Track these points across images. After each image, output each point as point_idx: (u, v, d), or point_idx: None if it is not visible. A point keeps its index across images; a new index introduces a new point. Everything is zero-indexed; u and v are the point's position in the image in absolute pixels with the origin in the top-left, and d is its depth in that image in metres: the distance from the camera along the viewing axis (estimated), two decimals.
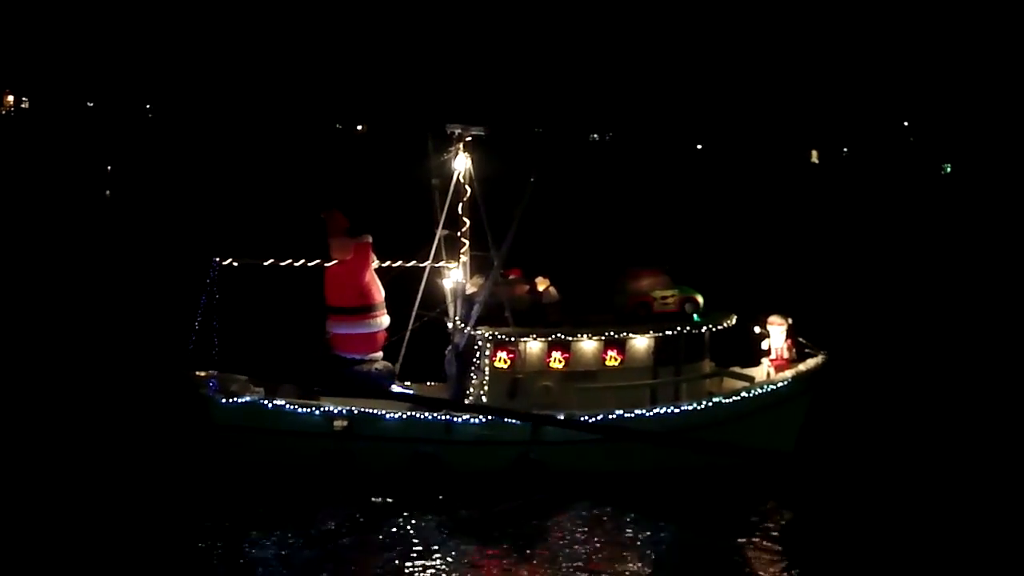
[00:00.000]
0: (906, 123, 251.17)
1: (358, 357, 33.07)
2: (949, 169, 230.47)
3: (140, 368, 39.66)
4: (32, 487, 30.44)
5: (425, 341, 34.71)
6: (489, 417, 31.93)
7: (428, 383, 34.44)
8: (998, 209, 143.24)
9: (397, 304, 33.81)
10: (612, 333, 32.70)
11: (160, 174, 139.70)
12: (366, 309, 32.94)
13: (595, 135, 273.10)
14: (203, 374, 32.06)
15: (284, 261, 32.38)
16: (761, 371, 34.22)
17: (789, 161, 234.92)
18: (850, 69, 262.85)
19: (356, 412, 31.49)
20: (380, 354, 33.44)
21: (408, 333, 34.28)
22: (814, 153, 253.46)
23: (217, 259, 31.39)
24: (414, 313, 34.20)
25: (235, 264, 31.52)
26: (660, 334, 32.83)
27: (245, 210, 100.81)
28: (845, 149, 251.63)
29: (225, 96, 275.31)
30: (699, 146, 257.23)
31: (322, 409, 31.41)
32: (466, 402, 32.61)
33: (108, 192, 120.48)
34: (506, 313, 32.62)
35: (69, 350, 45.59)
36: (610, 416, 31.87)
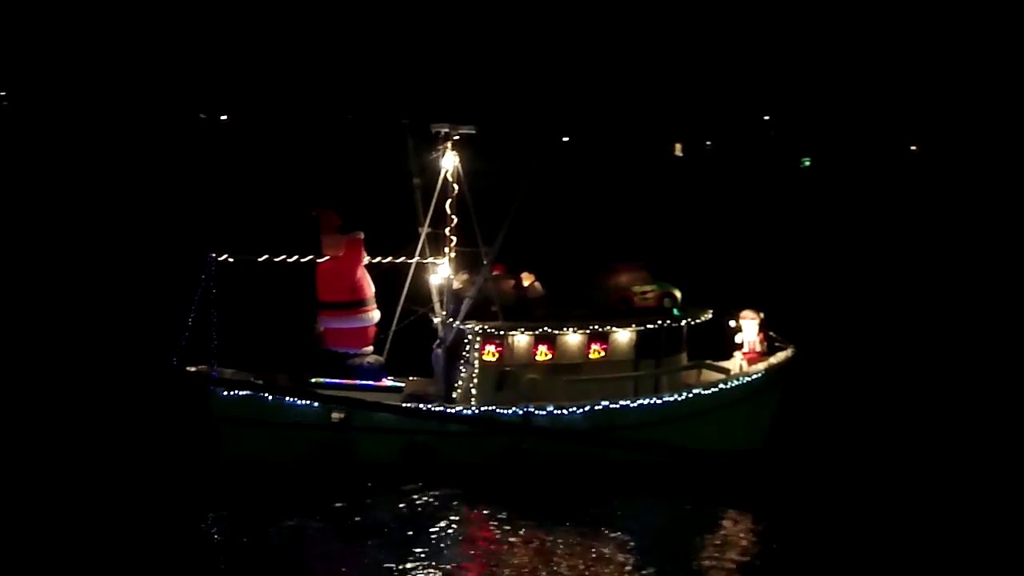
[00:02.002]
0: (767, 117, 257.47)
1: (350, 351, 33.64)
2: (808, 163, 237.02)
3: (136, 363, 39.43)
4: (29, 482, 30.46)
5: (410, 336, 35.30)
6: (483, 408, 32.66)
7: (411, 377, 35.03)
8: (855, 201, 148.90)
9: (381, 300, 34.41)
10: (596, 327, 33.83)
11: (155, 172, 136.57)
12: (357, 304, 33.65)
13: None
14: (194, 369, 32.34)
15: (278, 257, 32.76)
16: (734, 364, 35.71)
17: (653, 154, 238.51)
18: (713, 64, 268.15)
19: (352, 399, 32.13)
20: (371, 348, 34.13)
21: (393, 328, 34.93)
22: (678, 146, 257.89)
23: (213, 255, 31.68)
24: (399, 309, 34.86)
25: (231, 260, 31.82)
26: (642, 328, 34.06)
27: (237, 207, 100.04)
28: (708, 142, 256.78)
29: (217, 93, 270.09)
30: (565, 139, 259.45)
31: (318, 394, 32.00)
32: (454, 396, 33.33)
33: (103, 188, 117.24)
34: (494, 308, 33.47)
35: (65, 347, 45.31)
36: (596, 407, 32.92)
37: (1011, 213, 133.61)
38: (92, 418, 35.66)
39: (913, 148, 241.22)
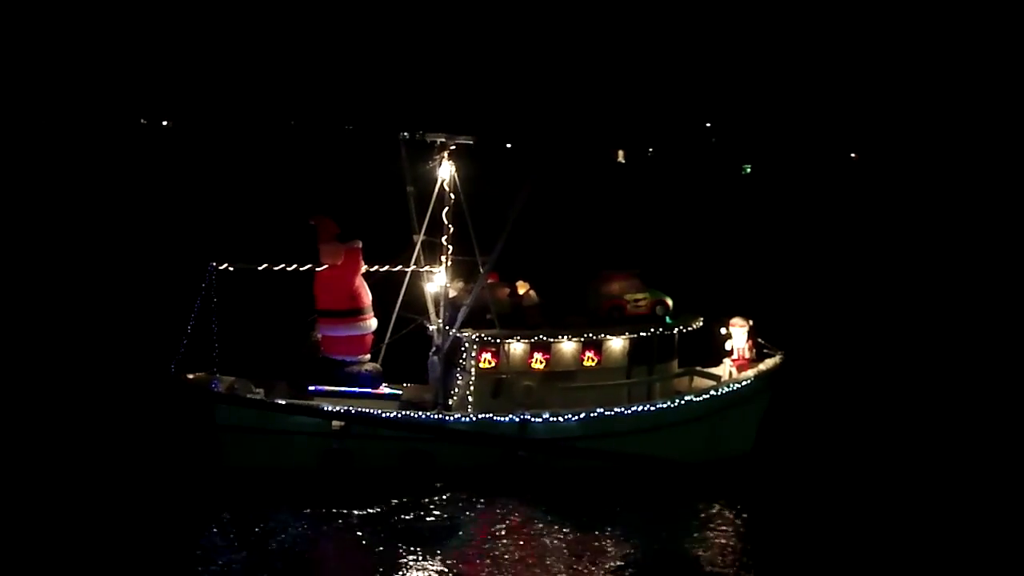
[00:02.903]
0: (708, 124, 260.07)
1: (348, 359, 33.88)
2: (749, 169, 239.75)
3: (136, 372, 39.33)
4: (31, 491, 30.39)
5: (404, 343, 35.60)
6: (480, 415, 33.03)
7: (405, 384, 35.32)
8: (794, 208, 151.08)
9: (376, 308, 34.69)
10: (590, 335, 34.32)
11: (151, 180, 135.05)
12: (356, 312, 33.89)
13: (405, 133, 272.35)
14: (192, 377, 32.46)
15: (277, 266, 32.93)
16: (724, 370, 36.37)
17: (595, 160, 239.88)
18: (654, 71, 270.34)
19: (353, 412, 32.32)
20: (368, 355, 34.36)
21: (388, 337, 35.21)
22: (620, 153, 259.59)
23: (213, 264, 31.81)
24: (394, 316, 35.14)
25: (230, 269, 31.96)
26: (635, 335, 34.61)
27: (235, 215, 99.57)
28: (650, 149, 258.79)
29: (218, 102, 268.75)
30: (508, 145, 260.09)
31: (321, 409, 32.16)
32: (450, 403, 33.67)
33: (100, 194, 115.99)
34: (489, 316, 33.87)
35: (66, 355, 45.09)
36: (591, 414, 33.41)
37: (955, 218, 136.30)
38: (92, 426, 35.57)
39: (853, 155, 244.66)
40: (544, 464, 33.11)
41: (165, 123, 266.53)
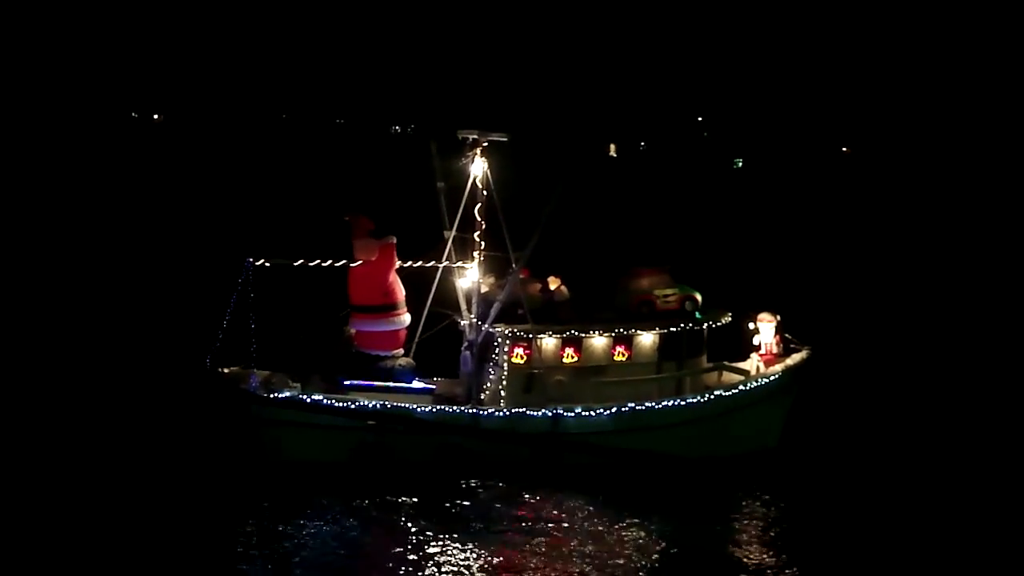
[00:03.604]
0: (700, 118, 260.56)
1: (382, 354, 34.19)
2: (741, 164, 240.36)
3: (173, 366, 39.59)
4: (65, 484, 30.66)
5: (433, 339, 35.90)
6: (512, 410, 33.35)
7: (435, 378, 35.63)
8: (787, 202, 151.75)
9: (407, 303, 34.99)
10: (621, 330, 34.66)
11: (183, 179, 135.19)
12: (390, 308, 34.22)
13: (396, 127, 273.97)
14: (227, 371, 32.79)
15: (313, 262, 33.23)
16: (751, 365, 36.74)
17: (589, 154, 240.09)
18: (646, 65, 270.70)
19: (389, 406, 32.65)
20: (402, 350, 34.68)
21: (420, 332, 35.52)
22: (612, 147, 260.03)
23: (251, 260, 32.07)
24: (425, 312, 35.45)
25: (267, 264, 32.23)
26: (665, 331, 34.95)
27: (266, 212, 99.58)
28: (642, 143, 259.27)
29: (267, 99, 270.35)
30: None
31: (357, 404, 32.47)
32: (482, 398, 34.02)
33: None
34: (520, 311, 34.20)
35: (106, 350, 45.33)
36: (623, 409, 33.75)
37: (947, 211, 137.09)
38: (127, 419, 35.84)
39: (845, 150, 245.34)
40: (571, 456, 33.31)
41: (156, 116, 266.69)
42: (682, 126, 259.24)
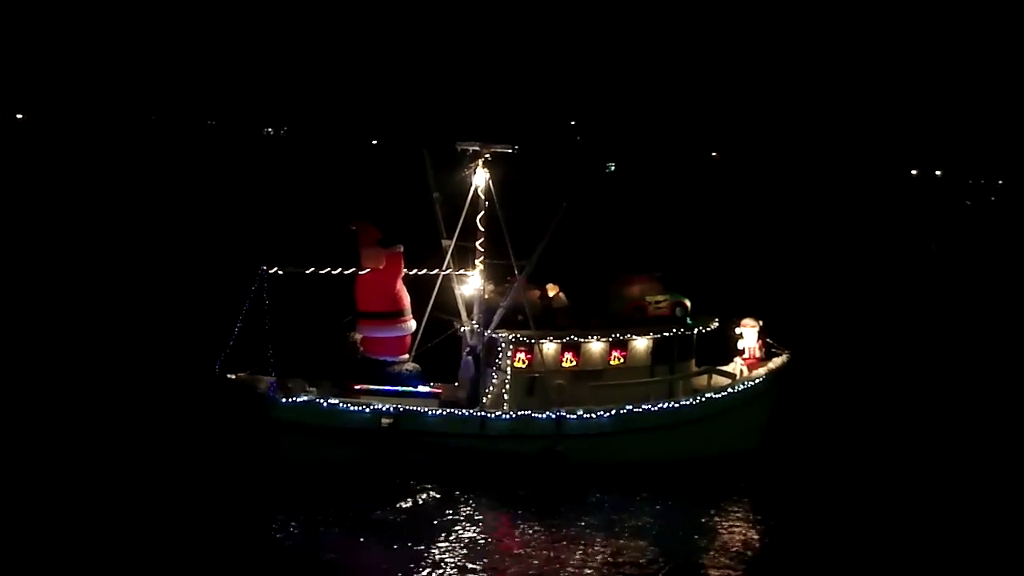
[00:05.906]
0: (573, 122, 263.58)
1: (389, 359, 34.85)
2: (613, 167, 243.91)
3: (186, 371, 39.44)
4: (76, 486, 30.83)
5: (433, 344, 36.60)
6: (518, 412, 34.32)
7: (433, 384, 36.33)
8: (660, 205, 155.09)
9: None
10: (617, 335, 35.89)
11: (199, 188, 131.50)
12: (397, 314, 34.93)
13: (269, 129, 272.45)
14: (236, 377, 33.20)
15: (324, 270, 33.76)
16: (735, 368, 38.26)
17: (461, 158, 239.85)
18: (520, 68, 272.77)
19: (401, 410, 33.39)
20: (408, 356, 35.36)
21: (420, 337, 36.22)
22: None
23: (264, 267, 32.51)
24: (425, 318, 36.21)
25: (280, 272, 32.69)
26: (658, 336, 36.28)
27: (281, 221, 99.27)
28: (516, 147, 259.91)
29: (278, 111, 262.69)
30: (375, 141, 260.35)
31: (371, 407, 33.14)
32: (485, 401, 34.92)
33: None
34: (521, 317, 35.17)
35: (119, 355, 45.22)
36: (621, 411, 34.97)
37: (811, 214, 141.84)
38: (137, 422, 35.98)
39: (714, 155, 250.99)
40: (576, 458, 34.42)
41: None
42: (555, 129, 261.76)
